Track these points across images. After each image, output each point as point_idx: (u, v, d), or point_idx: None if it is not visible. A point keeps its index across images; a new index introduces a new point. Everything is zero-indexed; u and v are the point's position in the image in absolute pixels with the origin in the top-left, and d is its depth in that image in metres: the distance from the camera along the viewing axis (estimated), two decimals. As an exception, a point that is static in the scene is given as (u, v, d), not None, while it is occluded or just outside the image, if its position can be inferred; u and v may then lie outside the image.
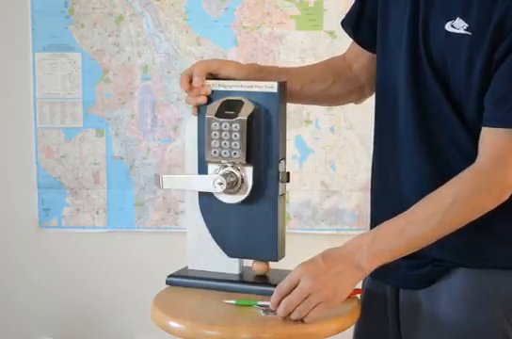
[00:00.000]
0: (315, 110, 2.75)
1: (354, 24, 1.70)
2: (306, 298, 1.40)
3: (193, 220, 1.62)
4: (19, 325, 2.95)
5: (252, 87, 1.53)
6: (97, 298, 2.93)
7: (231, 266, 1.60)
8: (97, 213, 2.88)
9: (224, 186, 1.52)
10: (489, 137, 1.44)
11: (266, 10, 2.77)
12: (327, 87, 1.71)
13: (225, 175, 1.53)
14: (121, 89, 2.83)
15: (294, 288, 1.41)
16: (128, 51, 2.82)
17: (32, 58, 2.83)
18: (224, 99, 1.54)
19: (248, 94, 1.53)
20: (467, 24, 1.45)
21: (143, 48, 2.81)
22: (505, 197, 1.44)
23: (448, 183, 1.44)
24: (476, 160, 1.45)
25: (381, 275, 1.62)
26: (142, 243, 2.89)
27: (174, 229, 2.87)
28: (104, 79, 2.83)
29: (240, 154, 1.52)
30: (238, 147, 1.52)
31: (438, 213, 1.42)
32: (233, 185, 1.54)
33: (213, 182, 1.53)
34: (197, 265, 1.63)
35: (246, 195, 1.54)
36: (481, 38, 1.43)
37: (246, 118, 1.51)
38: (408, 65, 1.53)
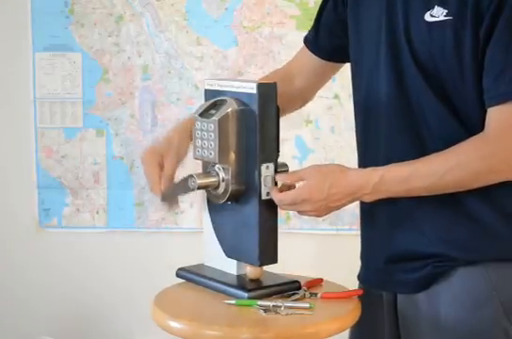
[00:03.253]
0: (315, 110, 2.75)
1: (314, 38, 1.76)
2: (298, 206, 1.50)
3: (207, 219, 1.63)
4: (19, 324, 2.95)
5: (239, 87, 1.51)
6: (97, 298, 2.93)
7: (229, 267, 1.60)
8: (97, 213, 2.88)
9: (195, 185, 1.51)
10: (494, 113, 1.45)
11: (266, 10, 2.77)
12: None
13: (207, 174, 1.53)
14: (121, 89, 2.83)
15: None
16: (128, 51, 2.82)
17: (32, 58, 2.83)
18: (216, 99, 1.53)
19: (237, 95, 1.51)
20: (446, 10, 1.46)
21: (143, 48, 2.81)
22: (508, 169, 1.45)
23: (456, 146, 1.46)
24: (483, 131, 1.46)
25: (376, 284, 1.62)
26: (142, 243, 2.89)
27: (174, 229, 2.87)
28: (104, 79, 2.83)
29: (213, 155, 1.50)
30: (212, 147, 1.50)
31: (439, 172, 1.45)
32: (217, 186, 1.53)
33: (189, 180, 1.53)
34: (209, 262, 1.64)
35: (226, 196, 1.52)
36: (463, 20, 1.45)
37: (217, 118, 1.48)
38: (390, 66, 1.54)
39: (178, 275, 1.65)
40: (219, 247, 1.60)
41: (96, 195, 2.88)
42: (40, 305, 2.94)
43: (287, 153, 2.71)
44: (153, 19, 2.80)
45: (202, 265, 1.65)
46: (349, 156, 2.76)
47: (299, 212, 1.52)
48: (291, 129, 2.75)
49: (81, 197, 2.88)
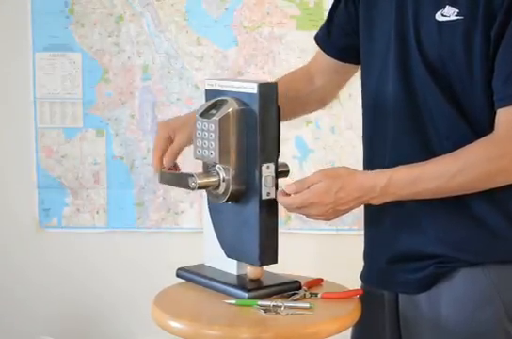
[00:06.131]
0: (315, 110, 2.75)
1: (326, 38, 1.74)
2: (305, 210, 1.49)
3: (207, 219, 1.63)
4: (19, 324, 2.95)
5: (240, 87, 1.51)
6: (97, 298, 2.93)
7: (230, 267, 1.60)
8: (97, 213, 2.88)
9: (195, 185, 1.51)
10: (504, 115, 1.44)
11: (266, 10, 2.77)
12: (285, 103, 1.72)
13: (203, 174, 1.53)
14: (121, 89, 2.83)
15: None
16: (128, 51, 2.82)
17: (32, 58, 2.83)
18: (217, 99, 1.53)
19: (237, 95, 1.51)
20: (457, 10, 1.45)
21: (143, 48, 2.81)
22: None
23: (464, 147, 1.45)
24: (492, 132, 1.45)
25: (378, 284, 1.62)
26: (142, 243, 2.89)
27: (174, 229, 2.87)
28: (104, 79, 2.83)
29: (214, 155, 1.50)
30: (213, 147, 1.50)
31: (447, 174, 1.44)
32: (217, 186, 1.53)
33: (189, 180, 1.53)
34: (209, 262, 1.64)
35: (227, 196, 1.52)
36: (474, 20, 1.44)
37: (218, 118, 1.48)
38: (398, 65, 1.53)
39: (178, 275, 1.65)
40: (220, 247, 1.60)
41: (96, 195, 2.88)
42: (40, 305, 2.94)
43: (287, 153, 2.71)
44: (153, 19, 2.80)
45: (203, 265, 1.65)
46: (349, 156, 2.79)
47: (307, 215, 1.51)
48: (291, 129, 2.75)
49: (81, 197, 2.88)
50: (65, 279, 2.93)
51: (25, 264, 2.93)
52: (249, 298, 1.50)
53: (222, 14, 2.78)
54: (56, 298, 2.94)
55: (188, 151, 1.64)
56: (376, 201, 1.48)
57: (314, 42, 1.78)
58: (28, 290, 2.94)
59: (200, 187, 1.52)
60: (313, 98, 1.79)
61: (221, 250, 1.59)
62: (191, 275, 1.63)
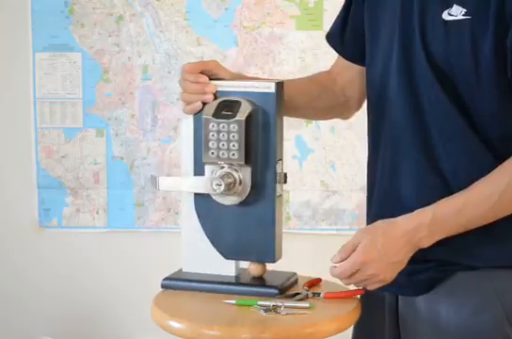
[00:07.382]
0: (315, 110, 2.75)
1: (339, 38, 1.70)
2: (360, 273, 1.44)
3: (189, 222, 1.60)
4: (19, 324, 2.95)
5: (250, 87, 1.52)
6: (97, 298, 2.93)
7: (227, 268, 1.59)
8: (97, 213, 2.88)
9: (222, 188, 1.51)
10: None
11: (266, 10, 2.77)
12: (312, 98, 1.70)
13: (222, 176, 1.52)
14: (121, 89, 2.83)
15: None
16: (128, 51, 2.82)
17: (32, 58, 2.83)
18: (221, 99, 1.53)
19: (245, 94, 1.52)
20: (464, 9, 1.42)
21: (143, 48, 2.81)
22: None
23: (501, 166, 1.42)
24: None
25: None
26: (142, 243, 2.89)
27: (174, 229, 2.86)
28: (104, 79, 2.83)
29: (238, 155, 1.51)
30: (236, 148, 1.50)
31: (495, 193, 1.41)
32: (231, 187, 1.52)
33: (211, 183, 1.51)
34: (192, 267, 1.61)
35: (244, 196, 1.53)
36: (482, 21, 1.40)
37: (244, 118, 1.49)
38: (402, 67, 1.50)
39: (164, 286, 1.61)
40: (200, 251, 1.58)
41: (96, 195, 2.88)
42: (40, 305, 2.94)
43: (287, 153, 2.70)
44: (153, 19, 2.80)
45: (181, 271, 1.62)
46: (349, 156, 2.79)
47: (367, 283, 1.46)
48: (291, 129, 2.75)
49: (81, 197, 2.88)
50: (65, 279, 2.93)
51: (25, 264, 2.93)
52: (281, 293, 1.51)
53: (222, 14, 2.78)
54: (56, 298, 2.94)
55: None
56: (426, 242, 1.44)
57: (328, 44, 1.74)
58: (28, 290, 2.94)
59: (223, 190, 1.52)
60: (339, 97, 1.72)
61: (205, 252, 1.58)
62: (189, 283, 1.60)
